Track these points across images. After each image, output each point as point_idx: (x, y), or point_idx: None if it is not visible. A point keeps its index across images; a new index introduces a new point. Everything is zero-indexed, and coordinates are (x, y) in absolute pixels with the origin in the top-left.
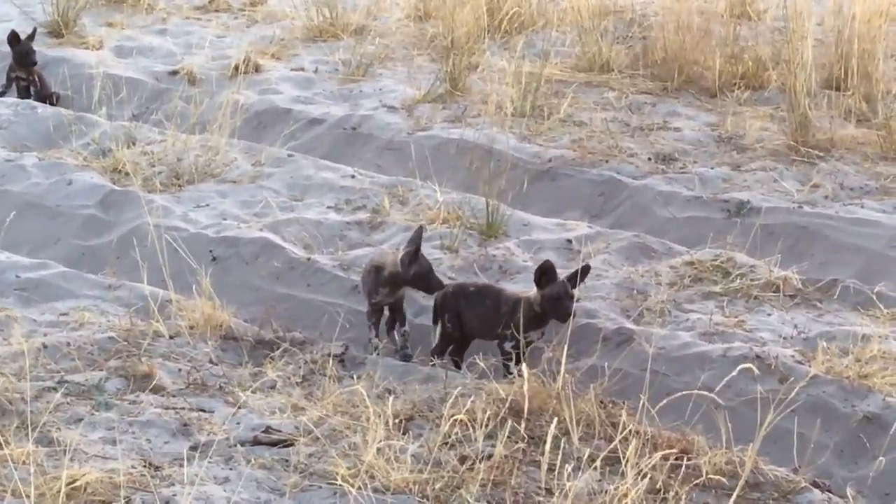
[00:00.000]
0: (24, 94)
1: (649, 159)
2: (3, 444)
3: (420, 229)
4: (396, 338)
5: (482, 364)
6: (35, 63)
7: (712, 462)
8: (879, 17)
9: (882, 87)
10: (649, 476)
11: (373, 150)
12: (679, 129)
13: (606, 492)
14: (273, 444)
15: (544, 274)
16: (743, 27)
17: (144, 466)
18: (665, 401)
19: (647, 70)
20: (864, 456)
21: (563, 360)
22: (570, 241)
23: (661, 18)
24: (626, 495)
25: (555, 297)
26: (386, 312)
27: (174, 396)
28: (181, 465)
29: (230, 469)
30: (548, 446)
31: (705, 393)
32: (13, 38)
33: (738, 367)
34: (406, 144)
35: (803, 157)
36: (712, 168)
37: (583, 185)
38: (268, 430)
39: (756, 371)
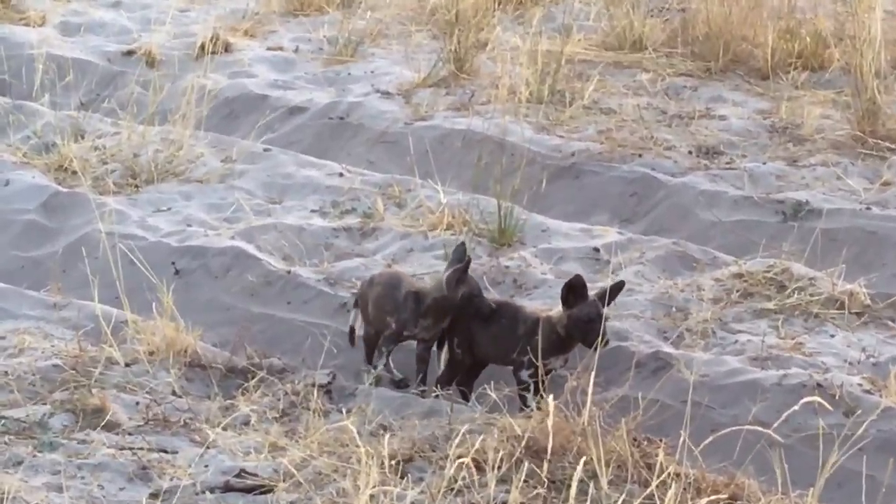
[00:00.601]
0: None
1: (690, 153)
2: None
3: (463, 245)
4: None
5: (494, 395)
6: None
7: None
8: None
9: None
10: None
11: (364, 144)
12: (725, 117)
13: None
14: (248, 490)
15: (573, 291)
16: None
17: None
18: (711, 438)
19: (687, 48)
20: None
21: (590, 391)
22: (597, 249)
23: None
24: None
25: (585, 319)
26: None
27: (131, 434)
28: None
29: None
30: (573, 492)
31: (758, 429)
32: None
33: (801, 402)
34: (403, 136)
35: (871, 150)
36: (764, 163)
37: (611, 183)
38: (241, 473)
39: (818, 403)
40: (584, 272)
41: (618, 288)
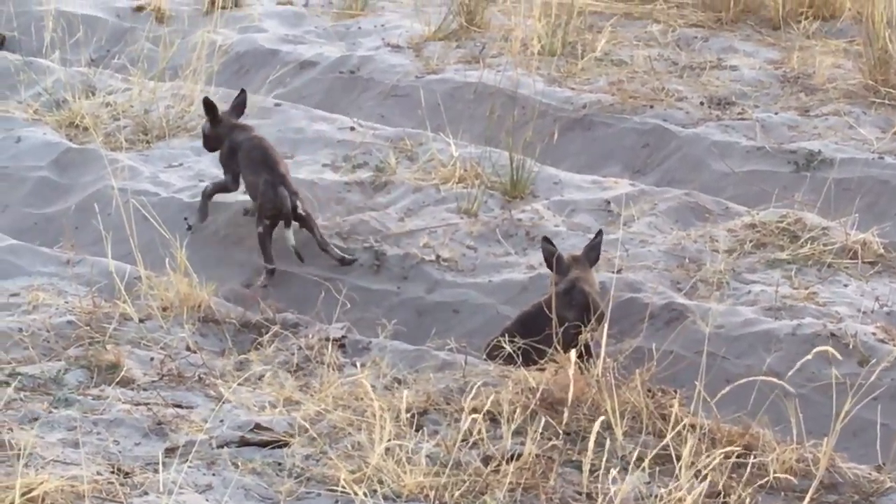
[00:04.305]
0: None
1: (701, 104)
2: None
3: (599, 233)
4: None
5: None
6: None
7: (781, 460)
8: None
9: None
10: (707, 477)
11: (375, 98)
12: (736, 67)
13: (657, 496)
14: (263, 444)
15: (549, 264)
16: None
17: (112, 472)
18: (727, 389)
19: None
20: None
21: (604, 342)
22: (608, 201)
23: None
24: (680, 500)
25: (560, 293)
26: None
27: (145, 390)
28: (155, 471)
29: (213, 475)
30: (591, 444)
31: (772, 379)
32: None
33: (814, 351)
34: (414, 90)
35: (883, 99)
36: (776, 113)
37: (623, 135)
38: (256, 428)
39: (832, 352)
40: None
41: (596, 244)
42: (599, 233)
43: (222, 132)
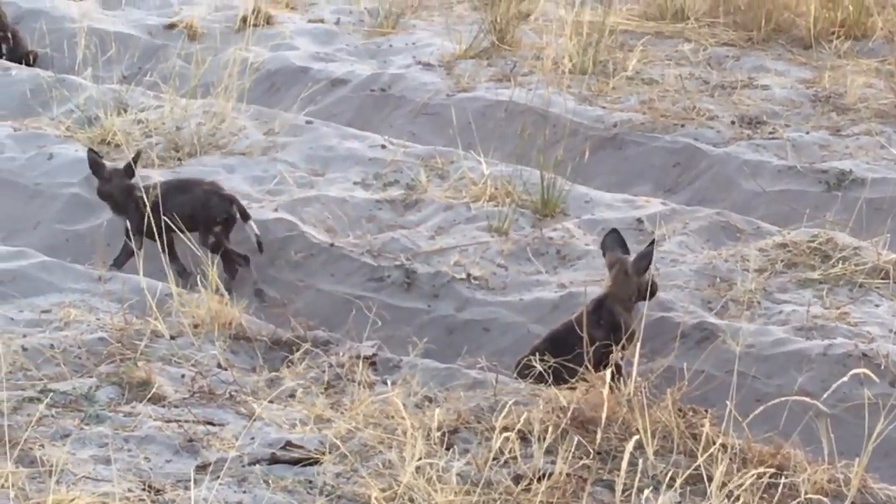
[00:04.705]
0: None
1: (733, 123)
2: None
3: (652, 243)
4: None
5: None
6: None
7: (812, 480)
8: None
9: None
10: (739, 497)
11: (406, 116)
12: (767, 86)
13: None
14: (294, 462)
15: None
16: None
17: (143, 490)
18: (761, 409)
19: (729, 17)
20: None
21: (636, 361)
22: (640, 220)
23: None
24: None
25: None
26: None
27: (177, 407)
28: (186, 488)
29: (244, 492)
30: (624, 463)
31: (804, 399)
32: None
33: (850, 373)
34: (445, 108)
35: None
36: (807, 132)
37: (654, 153)
38: (287, 445)
39: (866, 373)
40: (627, 242)
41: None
42: (652, 242)
43: (116, 192)
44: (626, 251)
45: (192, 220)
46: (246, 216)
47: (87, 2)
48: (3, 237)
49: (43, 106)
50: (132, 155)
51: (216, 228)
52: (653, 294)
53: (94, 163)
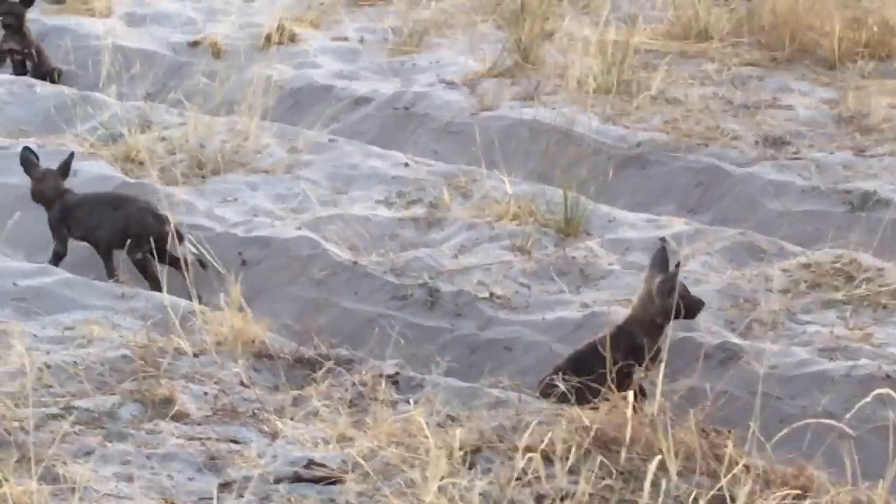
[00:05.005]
0: (19, 69)
1: (756, 143)
2: (1, 481)
3: (663, 244)
4: None
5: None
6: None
7: (836, 502)
8: None
9: None
10: None
11: (429, 134)
12: (791, 106)
13: None
14: (317, 480)
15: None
16: None
17: None
18: (786, 430)
19: (753, 37)
20: None
21: (660, 381)
22: (663, 239)
23: None
24: None
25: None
26: None
27: (199, 425)
28: None
29: None
30: (647, 483)
31: (828, 421)
32: None
33: (872, 393)
34: (468, 127)
35: None
36: (831, 153)
37: (678, 173)
38: (310, 464)
39: (890, 394)
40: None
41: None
42: (677, 264)
43: (49, 193)
44: (666, 270)
45: (122, 235)
46: (181, 237)
47: (112, 19)
48: (28, 254)
49: (67, 123)
50: (65, 158)
51: (146, 247)
52: (697, 311)
53: (27, 161)
